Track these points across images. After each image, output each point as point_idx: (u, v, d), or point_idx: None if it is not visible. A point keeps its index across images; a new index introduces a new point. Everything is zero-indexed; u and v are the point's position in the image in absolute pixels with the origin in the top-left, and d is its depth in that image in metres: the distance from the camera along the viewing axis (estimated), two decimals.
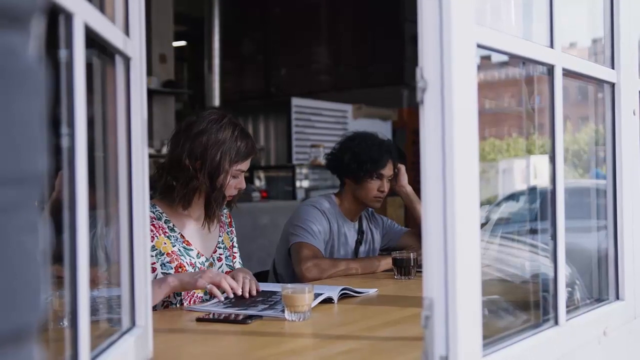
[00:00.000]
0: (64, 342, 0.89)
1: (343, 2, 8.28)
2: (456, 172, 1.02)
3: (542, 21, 1.38)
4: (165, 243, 2.05)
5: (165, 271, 2.02)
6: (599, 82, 1.67)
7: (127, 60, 1.19)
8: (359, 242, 2.82)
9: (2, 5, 0.53)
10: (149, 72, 6.17)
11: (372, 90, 7.85)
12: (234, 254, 2.29)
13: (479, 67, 1.11)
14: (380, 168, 2.70)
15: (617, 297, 1.66)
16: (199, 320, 1.74)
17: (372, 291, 2.16)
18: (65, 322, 1.06)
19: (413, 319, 1.69)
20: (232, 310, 1.83)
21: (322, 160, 6.22)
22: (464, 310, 1.03)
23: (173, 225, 2.11)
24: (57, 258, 0.82)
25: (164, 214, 2.10)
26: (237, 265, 2.28)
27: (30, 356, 0.56)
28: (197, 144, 2.04)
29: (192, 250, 2.11)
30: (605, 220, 1.69)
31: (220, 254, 2.21)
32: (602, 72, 1.63)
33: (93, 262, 0.95)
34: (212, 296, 1.93)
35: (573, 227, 1.50)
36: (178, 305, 2.03)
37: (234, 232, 2.32)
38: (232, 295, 1.93)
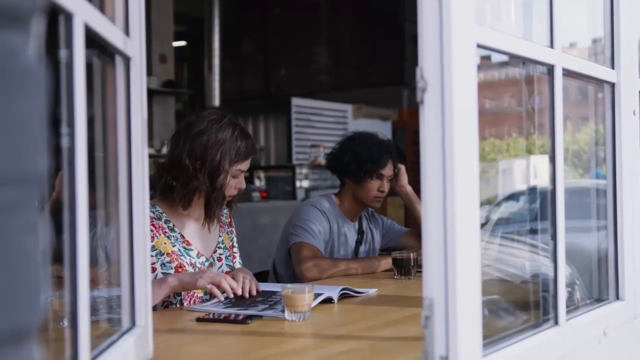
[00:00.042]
0: (64, 342, 0.89)
1: (343, 2, 8.28)
2: (456, 172, 1.02)
3: (542, 21, 1.38)
4: (165, 243, 2.05)
5: (165, 271, 2.02)
6: (599, 82, 1.67)
7: (127, 60, 1.19)
8: (359, 242, 2.82)
9: (2, 5, 0.53)
10: (149, 72, 6.17)
11: (372, 90, 7.86)
12: (234, 254, 2.29)
13: (479, 67, 1.11)
14: (380, 168, 2.70)
15: (617, 297, 1.66)
16: (199, 320, 1.74)
17: (372, 291, 2.16)
18: (65, 322, 1.06)
19: (413, 319, 1.69)
20: (232, 310, 1.83)
21: (322, 160, 6.22)
22: (464, 310, 1.03)
23: (173, 225, 2.11)
24: (57, 258, 0.82)
25: (164, 214, 2.10)
26: (237, 265, 2.28)
27: (30, 356, 0.56)
28: (197, 144, 2.04)
29: (192, 250, 2.11)
30: (605, 220, 1.69)
31: (220, 254, 2.21)
32: (602, 72, 1.63)
33: (93, 262, 0.95)
34: (212, 296, 1.93)
35: (573, 227, 1.50)
36: (178, 305, 2.03)
37: (234, 232, 2.32)
38: (232, 296, 1.93)
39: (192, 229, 2.15)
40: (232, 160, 2.07)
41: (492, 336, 1.17)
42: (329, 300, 1.95)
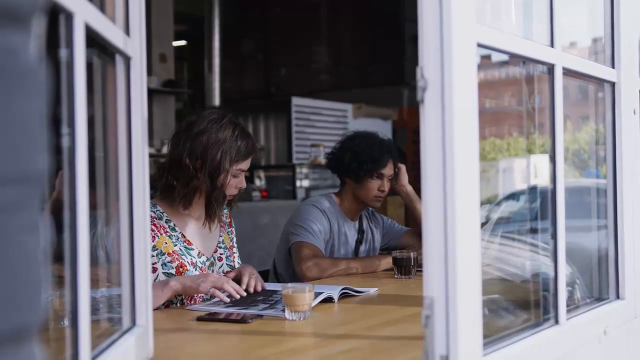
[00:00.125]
0: (65, 341, 0.89)
1: (343, 2, 8.28)
2: (456, 172, 1.02)
3: (543, 20, 1.38)
4: (166, 243, 2.06)
5: (166, 271, 2.02)
6: (599, 82, 1.67)
7: (127, 59, 1.19)
8: (359, 242, 2.82)
9: (2, 5, 0.53)
10: (149, 72, 6.17)
11: (372, 89, 7.86)
12: (234, 254, 2.29)
13: (479, 66, 1.10)
14: (381, 167, 2.70)
15: (618, 297, 1.66)
16: (199, 319, 1.74)
17: (373, 290, 2.16)
18: (66, 322, 1.06)
19: (413, 318, 1.69)
20: (232, 310, 1.83)
21: (322, 160, 6.22)
22: (465, 309, 1.03)
23: (174, 224, 2.11)
24: (58, 257, 0.82)
25: (164, 214, 2.10)
26: (237, 265, 2.28)
27: (30, 356, 0.56)
28: (198, 144, 2.04)
29: (193, 249, 2.11)
30: (606, 219, 1.69)
31: (221, 254, 2.21)
32: (602, 71, 1.63)
33: (93, 261, 0.95)
34: (212, 295, 1.93)
35: (573, 227, 1.50)
36: (179, 305, 2.03)
37: (234, 232, 2.33)
38: (237, 297, 1.93)
39: (192, 228, 2.15)
40: (232, 160, 2.07)
41: (492, 335, 1.17)
42: (329, 300, 1.95)
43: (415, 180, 1.57)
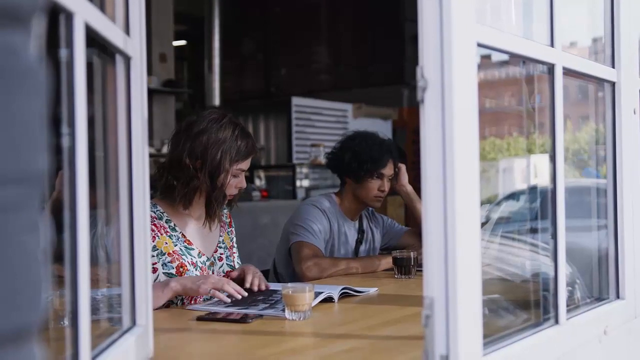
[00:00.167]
0: (65, 341, 0.89)
1: (343, 2, 8.28)
2: (456, 172, 1.02)
3: (543, 20, 1.38)
4: (166, 242, 2.06)
5: (166, 271, 2.02)
6: (599, 81, 1.67)
7: (127, 59, 1.19)
8: (359, 242, 2.82)
9: (2, 4, 0.53)
10: (149, 72, 6.16)
11: (372, 89, 7.86)
12: (234, 254, 2.29)
13: (480, 66, 1.11)
14: (381, 167, 2.70)
15: (618, 296, 1.66)
16: (199, 319, 1.74)
17: (373, 290, 2.16)
18: (66, 321, 1.06)
19: (413, 318, 1.69)
20: (232, 310, 1.83)
21: (322, 160, 6.22)
22: (465, 309, 1.03)
23: (174, 224, 2.11)
24: (58, 257, 0.82)
25: (165, 214, 2.11)
26: (237, 265, 2.28)
27: (30, 356, 0.56)
28: (198, 144, 2.05)
29: (194, 249, 2.11)
30: (606, 219, 1.69)
31: (221, 254, 2.21)
32: (602, 71, 1.63)
33: (93, 261, 0.95)
34: (212, 295, 1.93)
35: (573, 226, 1.50)
36: (179, 305, 2.04)
37: (234, 232, 2.33)
38: (239, 297, 1.93)
39: (193, 228, 2.15)
40: (232, 160, 2.08)
41: (492, 335, 1.17)
42: (329, 300, 1.95)
43: (415, 180, 1.57)
